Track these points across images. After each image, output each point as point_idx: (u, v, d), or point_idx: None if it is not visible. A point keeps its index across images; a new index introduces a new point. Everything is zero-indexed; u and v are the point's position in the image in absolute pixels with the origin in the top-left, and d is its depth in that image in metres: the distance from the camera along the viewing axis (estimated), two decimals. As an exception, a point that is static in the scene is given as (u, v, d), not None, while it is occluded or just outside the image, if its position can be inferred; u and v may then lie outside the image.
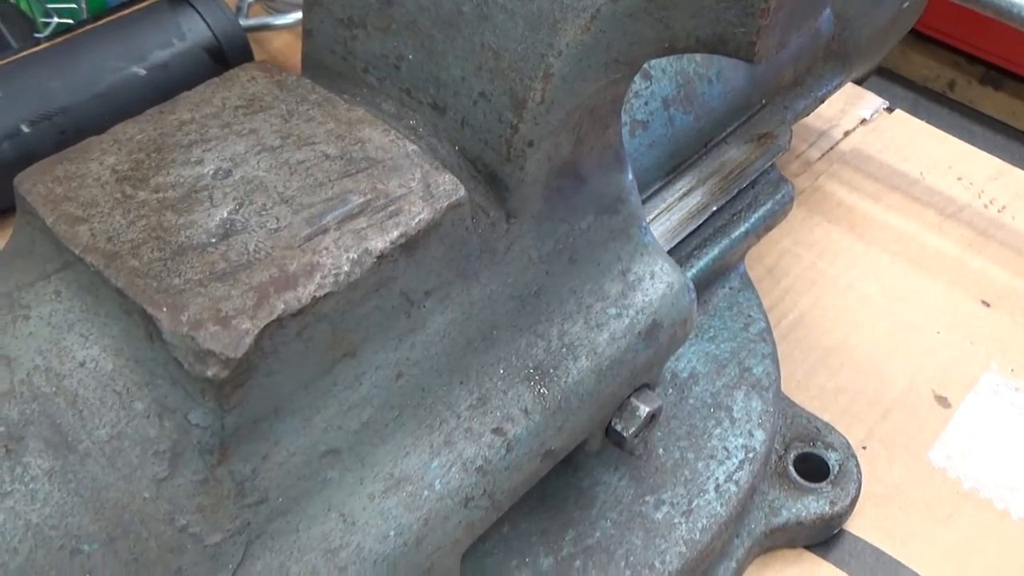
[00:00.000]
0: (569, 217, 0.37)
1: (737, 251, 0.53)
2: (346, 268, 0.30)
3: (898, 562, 0.50)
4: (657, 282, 0.40)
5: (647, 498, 0.44)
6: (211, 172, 0.32)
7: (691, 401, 0.48)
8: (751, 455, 0.46)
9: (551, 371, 0.37)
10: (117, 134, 0.33)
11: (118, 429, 0.29)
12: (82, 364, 0.29)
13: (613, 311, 0.39)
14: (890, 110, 0.76)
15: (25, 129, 0.57)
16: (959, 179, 0.72)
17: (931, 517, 0.52)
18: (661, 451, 0.46)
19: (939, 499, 0.53)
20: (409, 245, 0.31)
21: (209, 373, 0.28)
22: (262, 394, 0.30)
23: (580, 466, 0.45)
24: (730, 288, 0.53)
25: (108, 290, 0.29)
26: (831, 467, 0.50)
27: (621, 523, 0.43)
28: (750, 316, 0.52)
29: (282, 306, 0.29)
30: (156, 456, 0.29)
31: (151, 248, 0.29)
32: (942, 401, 0.58)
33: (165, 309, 0.28)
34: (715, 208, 0.49)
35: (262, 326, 0.28)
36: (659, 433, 0.46)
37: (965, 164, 0.73)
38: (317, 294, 0.30)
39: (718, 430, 0.47)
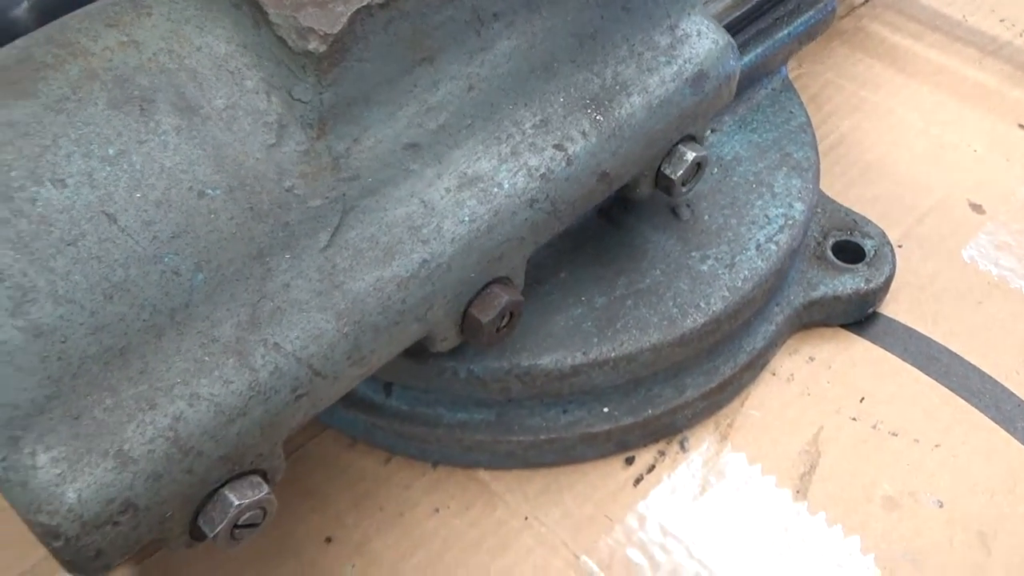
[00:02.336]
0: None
1: (779, 54, 0.56)
2: (426, -31, 0.34)
3: (929, 338, 0.53)
4: (704, 39, 0.43)
5: (693, 254, 0.48)
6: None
7: (735, 178, 0.51)
8: (790, 222, 0.49)
9: (606, 103, 0.40)
10: None
11: (232, 100, 0.33)
12: (199, 48, 0.33)
13: (663, 59, 0.42)
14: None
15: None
16: (1001, 20, 0.73)
17: (962, 303, 0.55)
18: (706, 217, 0.49)
19: (970, 288, 0.56)
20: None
21: (311, 47, 0.32)
22: (354, 78, 0.34)
23: (631, 228, 0.49)
24: (772, 89, 0.56)
25: (220, -12, 0.33)
26: (867, 252, 0.54)
27: (669, 272, 0.47)
28: (791, 112, 0.55)
29: (370, -3, 0.33)
30: (265, 126, 0.33)
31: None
32: (976, 208, 0.60)
33: (271, -3, 0.33)
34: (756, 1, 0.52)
35: (354, 10, 0.33)
36: (704, 203, 0.50)
37: (1008, 8, 0.74)
38: (403, -13, 0.33)
39: (760, 201, 0.50)
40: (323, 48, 0.32)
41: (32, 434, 0.29)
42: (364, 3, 0.33)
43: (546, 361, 0.44)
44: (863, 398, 0.51)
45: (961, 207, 0.60)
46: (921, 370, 0.52)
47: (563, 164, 0.39)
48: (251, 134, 0.33)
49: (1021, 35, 0.72)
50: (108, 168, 0.31)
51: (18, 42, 0.34)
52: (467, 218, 0.36)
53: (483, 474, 0.48)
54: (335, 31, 0.32)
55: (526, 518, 0.46)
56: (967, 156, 0.63)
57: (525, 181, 0.38)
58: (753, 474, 0.48)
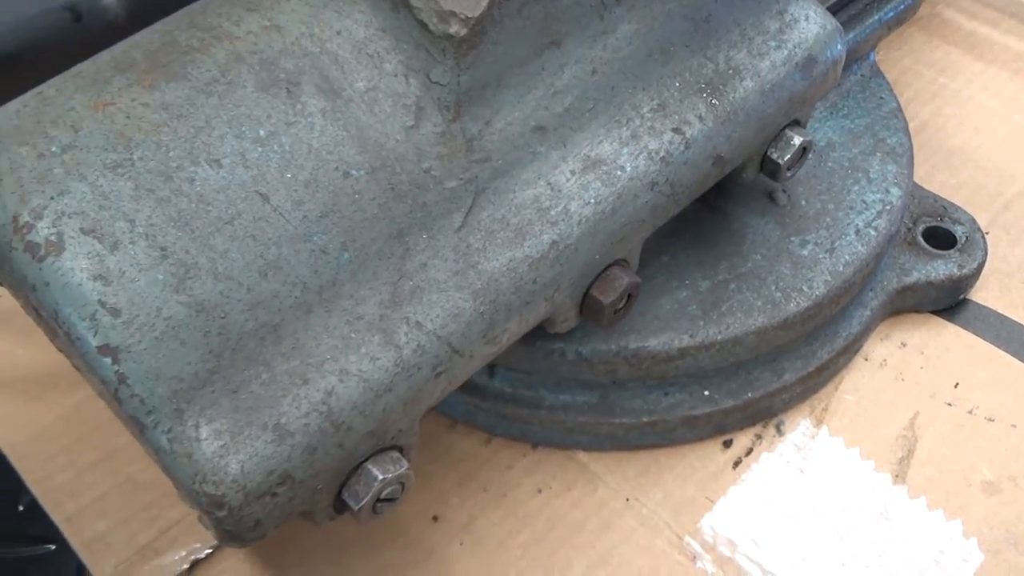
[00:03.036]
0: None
1: (869, 40, 0.56)
2: (558, -45, 0.35)
3: (1021, 325, 0.53)
4: (811, 23, 0.43)
5: (792, 239, 0.48)
6: None
7: (830, 164, 0.51)
8: (888, 208, 0.49)
9: (720, 87, 0.41)
10: None
11: (373, 83, 0.34)
12: (339, 32, 0.34)
13: (773, 43, 0.42)
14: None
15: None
16: (1079, 7, 0.73)
17: (1054, 289, 0.55)
18: (804, 203, 0.49)
19: (1061, 274, 0.56)
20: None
21: (451, 30, 0.33)
22: (489, 61, 0.34)
23: (729, 213, 0.49)
24: (862, 75, 0.56)
25: (357, -27, 0.34)
26: (958, 238, 0.54)
27: (770, 257, 0.47)
28: (881, 98, 0.55)
29: (509, -20, 0.33)
30: (404, 108, 0.34)
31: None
32: (1063, 195, 0.60)
33: (411, -19, 0.33)
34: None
35: (494, -6, 0.33)
36: (800, 188, 0.50)
37: (1085, -6, 0.74)
38: (537, -27, 0.34)
39: (856, 187, 0.50)
40: (463, 31, 0.33)
41: (195, 407, 0.30)
42: (502, -13, 0.33)
43: (653, 343, 0.44)
44: (957, 383, 0.51)
45: (1047, 194, 0.60)
46: (1014, 356, 0.52)
47: (682, 148, 0.39)
48: (391, 116, 0.34)
49: (1099, 22, 0.72)
50: (260, 149, 0.32)
51: (157, 26, 0.35)
52: (593, 200, 0.37)
53: (582, 456, 0.48)
54: (475, 15, 0.33)
55: (627, 499, 0.47)
56: (1051, 143, 0.63)
57: (646, 164, 0.38)
58: (851, 458, 0.48)
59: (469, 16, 0.33)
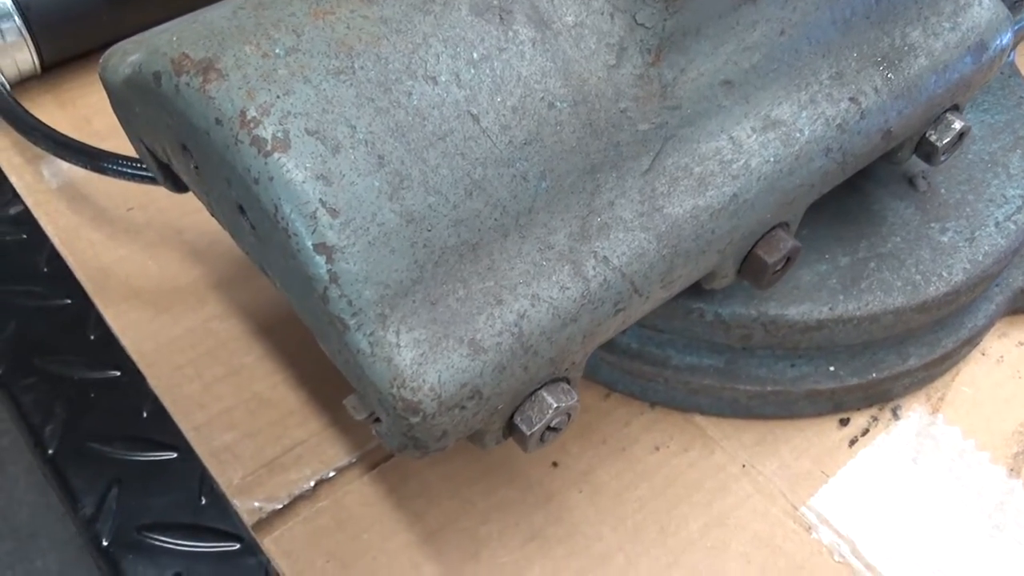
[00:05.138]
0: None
1: (1015, 38, 0.56)
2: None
3: None
4: (984, 9, 0.43)
5: (932, 224, 0.48)
6: None
7: (969, 156, 0.51)
8: (1028, 204, 0.49)
9: (896, 62, 0.41)
10: None
11: (580, 18, 0.34)
12: (548, -34, 0.35)
13: (947, 25, 0.42)
14: None
15: None
16: None
17: None
18: (943, 191, 0.49)
19: None
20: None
21: (668, -30, 0.33)
22: (694, 8, 0.35)
23: (869, 193, 0.49)
24: (1002, 72, 0.56)
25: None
26: (1084, 244, 0.53)
27: (910, 240, 0.47)
28: (1021, 97, 0.55)
29: (724, -71, 0.34)
30: (607, 47, 0.34)
31: None
32: None
33: (628, -80, 0.34)
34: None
35: (711, -60, 0.33)
36: (940, 177, 0.50)
37: None
38: (750, -75, 0.34)
39: (996, 181, 0.50)
40: (679, -27, 0.33)
41: (397, 314, 0.30)
42: (719, -66, 0.34)
43: (792, 312, 0.44)
44: (1074, 387, 0.51)
45: None
46: None
47: (857, 117, 0.39)
48: (595, 53, 0.34)
49: None
50: (473, 71, 0.32)
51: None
52: (772, 159, 0.37)
53: (699, 419, 0.49)
54: (693, -41, 0.33)
55: (743, 465, 0.47)
56: None
57: (823, 129, 0.38)
58: (967, 448, 0.48)
59: (686, -41, 0.33)
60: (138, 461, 0.47)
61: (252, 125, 0.30)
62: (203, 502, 0.45)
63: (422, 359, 0.30)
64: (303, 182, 0.29)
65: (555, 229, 0.33)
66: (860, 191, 0.49)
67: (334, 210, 0.29)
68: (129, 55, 0.36)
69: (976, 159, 0.51)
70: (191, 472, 0.46)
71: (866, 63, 0.40)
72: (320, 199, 0.29)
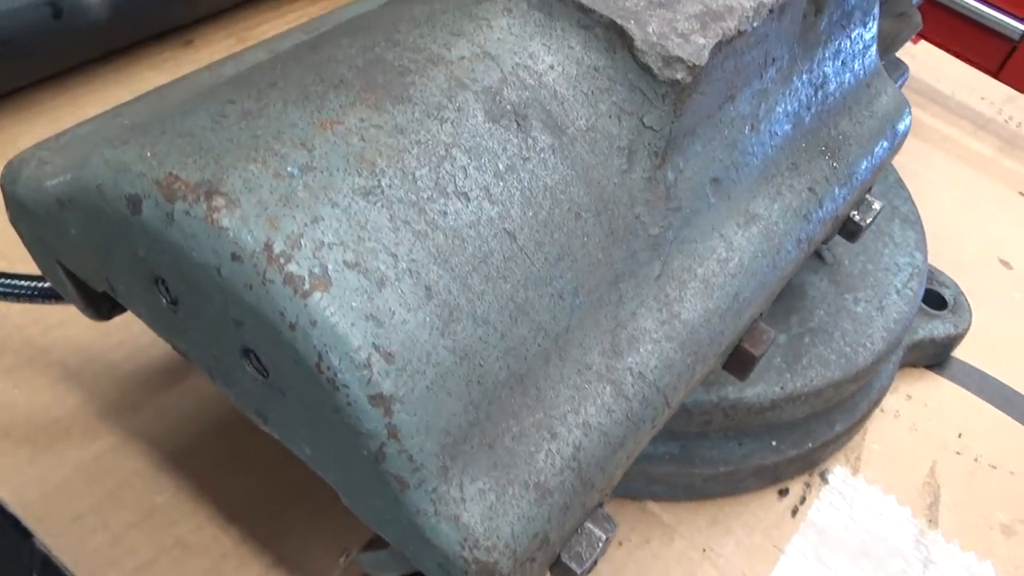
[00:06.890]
0: (843, 24, 0.43)
1: (871, 114, 0.60)
2: (751, 12, 0.35)
3: (1000, 382, 0.59)
4: (890, 98, 0.47)
5: (846, 296, 0.51)
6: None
7: (860, 227, 0.55)
8: (917, 270, 0.53)
9: (836, 151, 0.43)
10: None
11: (591, 123, 0.32)
12: (551, 67, 0.33)
13: (866, 113, 0.45)
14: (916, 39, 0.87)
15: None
16: (982, 99, 0.83)
17: (1021, 347, 0.61)
18: (846, 262, 0.52)
19: (1021, 331, 0.62)
20: (779, 11, 0.37)
21: (678, 76, 0.32)
22: (694, 109, 0.34)
23: (787, 269, 0.51)
24: (865, 146, 0.61)
25: (564, 7, 0.33)
26: (948, 300, 0.59)
27: (832, 313, 0.49)
28: (886, 169, 0.60)
29: (721, 32, 0.34)
30: (619, 151, 0.33)
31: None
32: (1005, 264, 0.68)
33: (632, 23, 0.32)
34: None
35: (713, 44, 0.33)
36: (840, 248, 0.53)
37: (986, 88, 0.84)
38: (741, 28, 0.34)
39: (887, 250, 0.54)
40: (689, 79, 0.32)
41: (459, 464, 0.27)
42: (719, 38, 0.33)
43: (750, 395, 0.45)
44: (960, 434, 0.56)
45: (993, 264, 0.67)
46: (998, 408, 0.58)
47: (816, 206, 0.40)
48: (608, 157, 0.33)
49: (1000, 112, 0.82)
50: (501, 184, 0.30)
51: (337, 39, 0.32)
52: (759, 254, 0.37)
53: (652, 506, 0.48)
54: (701, 62, 0.33)
55: (704, 550, 0.47)
56: (985, 217, 0.71)
57: (792, 221, 0.39)
58: (889, 505, 0.51)
59: (696, 64, 0.32)
60: (32, 640, 0.38)
61: (282, 260, 0.25)
62: None
63: (491, 513, 0.27)
64: (352, 325, 0.25)
65: (589, 348, 0.31)
66: (779, 267, 0.51)
67: (389, 354, 0.26)
68: (51, 166, 0.30)
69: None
70: (107, 645, 0.38)
71: (813, 152, 0.42)
72: (373, 343, 0.25)
